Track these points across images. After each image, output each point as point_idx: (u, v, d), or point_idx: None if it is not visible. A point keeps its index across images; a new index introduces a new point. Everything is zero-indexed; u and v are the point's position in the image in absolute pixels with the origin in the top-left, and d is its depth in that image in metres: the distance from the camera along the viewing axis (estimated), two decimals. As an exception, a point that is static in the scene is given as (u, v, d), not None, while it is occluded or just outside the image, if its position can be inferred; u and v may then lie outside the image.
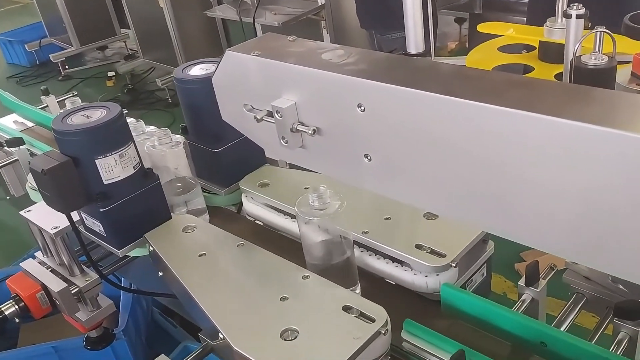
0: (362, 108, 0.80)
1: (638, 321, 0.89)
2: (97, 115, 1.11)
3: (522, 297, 0.99)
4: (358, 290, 1.06)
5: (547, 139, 0.62)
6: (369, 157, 0.83)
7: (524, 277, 1.00)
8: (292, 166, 1.37)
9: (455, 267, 0.99)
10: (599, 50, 1.21)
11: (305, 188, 1.26)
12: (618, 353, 0.90)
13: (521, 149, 0.65)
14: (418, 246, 1.03)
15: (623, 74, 1.31)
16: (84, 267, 1.21)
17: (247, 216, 1.35)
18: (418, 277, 1.02)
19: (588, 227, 0.64)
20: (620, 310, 0.91)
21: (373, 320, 0.86)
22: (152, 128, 1.44)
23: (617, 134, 0.57)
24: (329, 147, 0.88)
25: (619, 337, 0.92)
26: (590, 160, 0.60)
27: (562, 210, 0.65)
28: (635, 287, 0.97)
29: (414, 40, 0.96)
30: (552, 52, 1.80)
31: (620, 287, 1.01)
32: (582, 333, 0.94)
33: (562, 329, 1.02)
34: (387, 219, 1.11)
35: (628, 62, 1.37)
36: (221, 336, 0.89)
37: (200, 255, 1.07)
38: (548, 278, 1.02)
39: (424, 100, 0.72)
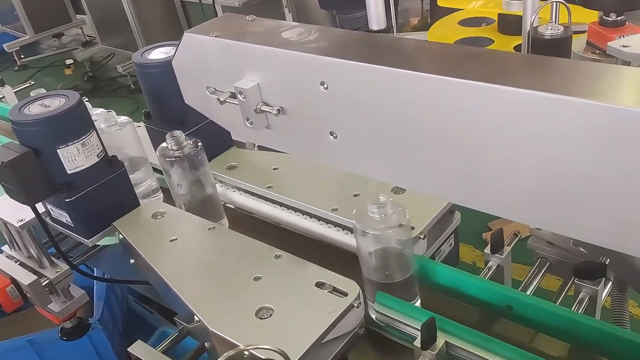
0: (325, 86, 0.80)
1: (597, 280, 0.93)
2: (56, 104, 1.09)
3: (489, 264, 1.02)
4: (418, 303, 0.98)
5: (508, 109, 0.64)
6: (334, 135, 0.84)
7: (489, 245, 1.03)
8: (260, 147, 1.38)
9: (423, 238, 1.02)
10: (555, 21, 1.24)
11: (274, 169, 1.27)
12: (580, 312, 0.94)
13: (483, 120, 0.67)
14: (387, 220, 1.04)
15: (579, 43, 1.35)
16: (53, 258, 1.20)
17: (217, 199, 1.35)
18: (388, 250, 1.04)
19: (550, 193, 0.66)
20: (580, 271, 0.94)
21: (346, 294, 0.88)
22: (124, 118, 1.41)
23: (574, 101, 0.59)
24: (294, 127, 0.89)
25: (580, 296, 0.96)
26: (549, 128, 0.62)
27: (524, 179, 0.67)
28: (594, 248, 1.01)
29: (376, 17, 0.96)
30: (510, 25, 1.83)
31: (581, 249, 1.05)
32: (548, 295, 0.98)
33: (528, 293, 1.05)
34: (355, 195, 1.13)
35: (583, 31, 1.40)
36: (197, 319, 0.89)
37: (171, 241, 1.07)
38: (512, 244, 1.05)
39: (386, 76, 0.73)
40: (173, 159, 1.15)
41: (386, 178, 0.87)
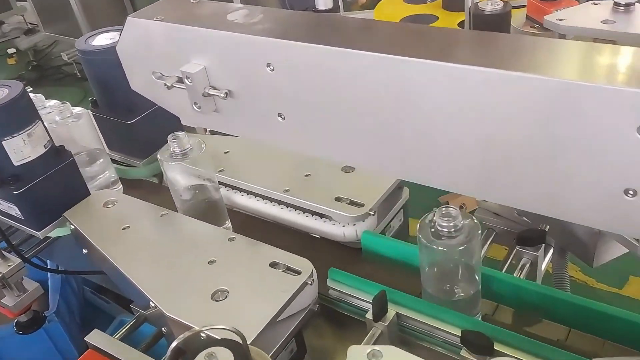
0: (272, 67, 0.81)
1: (537, 247, 0.97)
2: (-1, 95, 1.07)
3: (436, 236, 1.05)
4: (479, 317, 0.92)
5: (451, 85, 0.66)
6: (282, 116, 0.85)
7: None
8: (213, 132, 1.37)
9: (373, 215, 1.04)
10: (495, -4, 1.27)
11: (225, 152, 1.27)
12: (521, 277, 0.98)
13: (428, 97, 0.69)
14: (338, 199, 1.07)
15: (519, 18, 1.38)
16: (4, 252, 1.18)
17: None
18: (340, 227, 1.06)
19: (493, 166, 0.69)
20: (521, 238, 0.99)
21: (299, 273, 0.89)
22: (79, 109, 1.37)
23: (511, 75, 0.61)
24: (242, 109, 0.89)
25: (522, 262, 1.00)
26: (491, 102, 0.64)
27: (468, 153, 0.70)
28: (535, 217, 1.05)
29: (323, -3, 0.97)
30: (454, 1, 1.87)
31: (525, 219, 1.09)
32: (495, 264, 1.02)
33: (476, 262, 1.09)
34: (307, 175, 1.14)
35: (523, 6, 1.44)
36: (152, 305, 0.90)
37: (124, 229, 1.07)
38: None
39: (330, 56, 0.74)
40: (175, 162, 1.07)
41: (335, 157, 0.88)
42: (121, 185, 1.34)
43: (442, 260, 0.86)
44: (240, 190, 1.20)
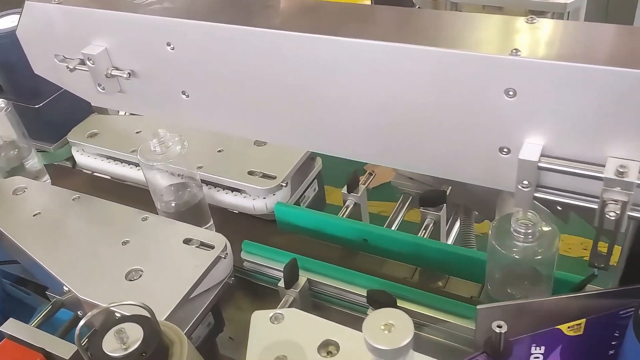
0: (172, 47, 0.81)
1: (439, 207, 1.02)
2: None
3: (346, 203, 1.10)
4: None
5: (346, 58, 0.68)
6: (186, 94, 0.85)
7: (345, 185, 1.10)
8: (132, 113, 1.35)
9: (286, 186, 1.07)
10: (396, -33, 1.29)
11: (137, 132, 1.26)
12: (425, 236, 1.03)
13: (324, 71, 0.71)
14: (250, 172, 1.09)
15: (420, -14, 1.41)
16: None
17: (82, 170, 1.33)
18: (254, 201, 1.08)
19: (386, 133, 0.72)
20: (424, 199, 1.04)
21: (213, 247, 0.91)
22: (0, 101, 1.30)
23: (403, 47, 0.64)
24: (146, 89, 0.89)
25: (426, 223, 1.05)
26: (384, 74, 0.67)
27: (364, 122, 0.72)
28: (438, 179, 1.11)
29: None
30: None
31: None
32: (413, 228, 1.06)
33: (393, 228, 1.14)
34: (219, 151, 1.15)
35: (425, -26, 1.47)
36: (66, 289, 0.89)
37: (34, 215, 1.05)
38: (367, 183, 1.12)
39: (226, 33, 0.75)
40: (157, 162, 1.01)
41: (242, 133, 0.90)
42: (49, 178, 1.30)
43: (515, 268, 0.78)
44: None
